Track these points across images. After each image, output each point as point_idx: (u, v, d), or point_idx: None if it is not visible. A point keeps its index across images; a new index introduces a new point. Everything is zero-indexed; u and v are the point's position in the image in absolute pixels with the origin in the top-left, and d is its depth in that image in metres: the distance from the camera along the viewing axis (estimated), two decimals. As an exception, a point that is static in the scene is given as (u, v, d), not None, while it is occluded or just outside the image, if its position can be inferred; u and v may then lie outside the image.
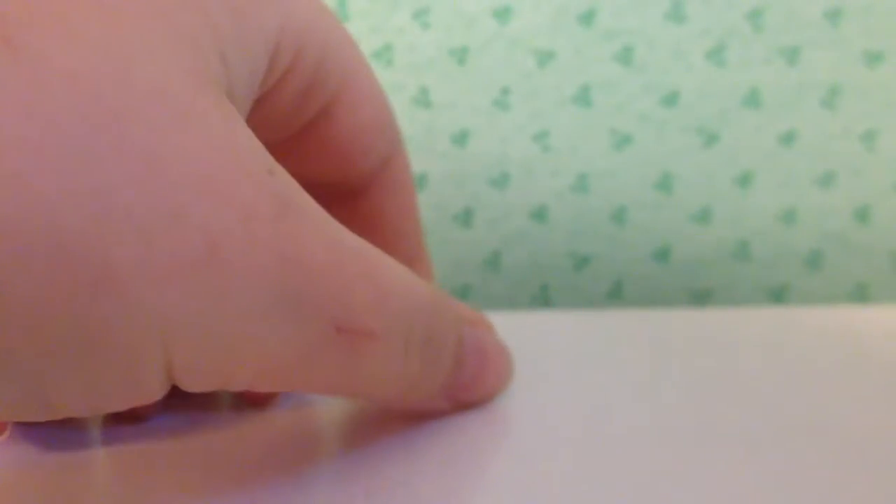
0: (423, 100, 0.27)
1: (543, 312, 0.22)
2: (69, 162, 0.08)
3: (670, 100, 0.26)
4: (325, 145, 0.14)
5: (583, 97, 0.26)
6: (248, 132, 0.10)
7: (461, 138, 0.27)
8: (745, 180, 0.27)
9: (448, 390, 0.14)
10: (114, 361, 0.08)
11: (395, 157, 0.16)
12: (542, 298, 0.28)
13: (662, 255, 0.28)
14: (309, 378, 0.11)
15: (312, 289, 0.10)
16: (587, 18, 0.26)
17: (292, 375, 0.10)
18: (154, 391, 0.09)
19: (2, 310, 0.08)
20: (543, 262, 0.28)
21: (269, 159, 0.10)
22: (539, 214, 0.27)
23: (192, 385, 0.09)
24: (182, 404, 0.16)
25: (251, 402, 0.16)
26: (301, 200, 0.10)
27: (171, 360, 0.09)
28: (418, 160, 0.27)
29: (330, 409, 0.16)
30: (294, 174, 0.15)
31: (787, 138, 0.27)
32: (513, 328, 0.21)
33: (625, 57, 0.26)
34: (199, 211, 0.08)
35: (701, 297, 0.28)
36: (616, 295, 0.28)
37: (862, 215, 0.27)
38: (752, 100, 0.26)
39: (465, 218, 0.27)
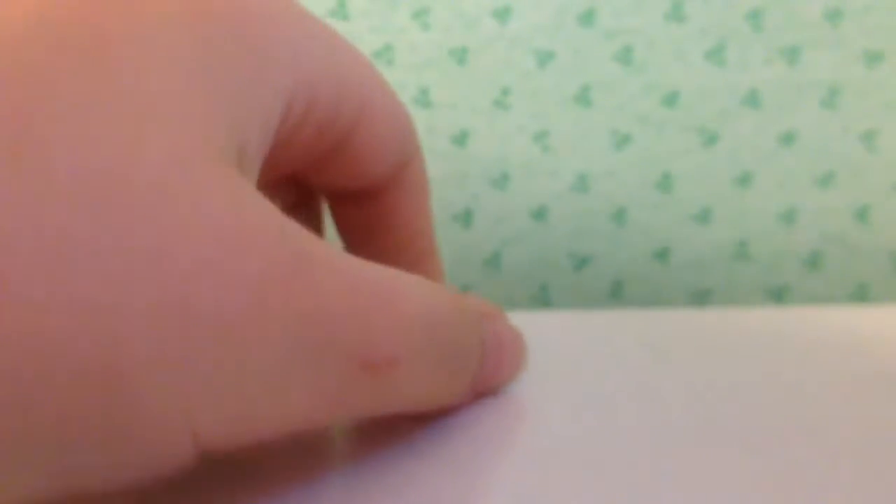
0: (423, 100, 0.27)
1: (543, 312, 0.22)
2: (76, 270, 0.08)
3: (670, 100, 0.26)
4: (342, 163, 0.14)
5: (583, 97, 0.26)
6: (257, 198, 0.10)
7: (461, 138, 0.27)
8: (745, 180, 0.27)
9: (471, 387, 0.14)
10: (141, 448, 0.09)
11: (412, 160, 0.16)
12: (542, 298, 0.28)
13: (662, 255, 0.28)
14: (338, 414, 0.11)
15: (333, 335, 0.10)
16: (587, 18, 0.26)
17: (322, 417, 0.11)
18: (183, 463, 0.09)
19: (21, 420, 0.08)
20: (543, 262, 0.28)
21: (280, 218, 0.10)
22: (539, 214, 0.27)
23: (221, 448, 0.10)
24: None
25: None
26: (314, 248, 0.10)
27: (198, 434, 0.09)
28: (418, 160, 0.27)
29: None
30: (311, 184, 0.15)
31: (787, 138, 0.27)
32: (513, 328, 0.21)
33: (625, 57, 0.26)
34: (211, 297, 0.09)
35: (701, 297, 0.28)
36: (616, 295, 0.28)
37: (862, 215, 0.27)
38: (752, 100, 0.26)
39: (466, 218, 0.27)
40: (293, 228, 0.10)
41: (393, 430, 0.14)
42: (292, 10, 0.12)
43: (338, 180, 0.15)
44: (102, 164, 0.08)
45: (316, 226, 0.17)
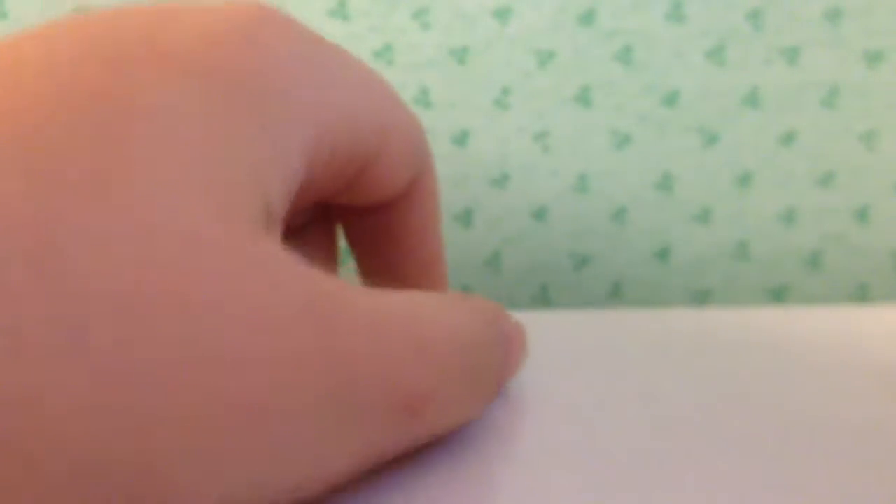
0: (423, 100, 0.27)
1: (543, 312, 0.22)
2: (103, 365, 0.08)
3: (670, 100, 0.26)
4: (359, 188, 0.14)
5: (583, 97, 0.26)
6: (282, 260, 0.10)
7: (461, 138, 0.27)
8: (745, 180, 0.27)
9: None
10: None
11: (424, 174, 0.16)
12: (542, 298, 0.28)
13: (662, 255, 0.28)
14: (375, 460, 0.11)
15: (368, 389, 0.10)
16: (587, 18, 0.26)
17: (358, 467, 0.10)
18: None
19: None
20: (543, 262, 0.28)
21: (306, 277, 0.10)
22: (539, 214, 0.27)
23: None
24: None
25: None
26: (339, 299, 0.10)
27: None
28: (418, 160, 0.27)
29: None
30: (324, 201, 0.15)
31: (787, 138, 0.27)
32: (513, 328, 0.21)
33: (625, 57, 0.26)
34: (241, 377, 0.08)
35: (701, 297, 0.28)
36: (616, 295, 0.28)
37: (862, 215, 0.27)
38: (752, 100, 0.26)
39: (466, 218, 0.27)
40: (318, 282, 0.10)
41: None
42: (310, 59, 0.12)
43: (352, 200, 0.15)
44: (125, 270, 0.08)
45: (330, 242, 0.17)
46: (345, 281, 0.11)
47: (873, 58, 0.26)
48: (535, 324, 0.21)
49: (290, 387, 0.09)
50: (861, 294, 0.27)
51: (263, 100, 0.10)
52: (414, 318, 0.11)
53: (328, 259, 0.17)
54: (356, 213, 0.16)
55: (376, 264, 0.17)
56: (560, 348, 0.19)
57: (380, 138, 0.13)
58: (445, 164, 0.27)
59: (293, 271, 0.10)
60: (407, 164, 0.15)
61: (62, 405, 0.07)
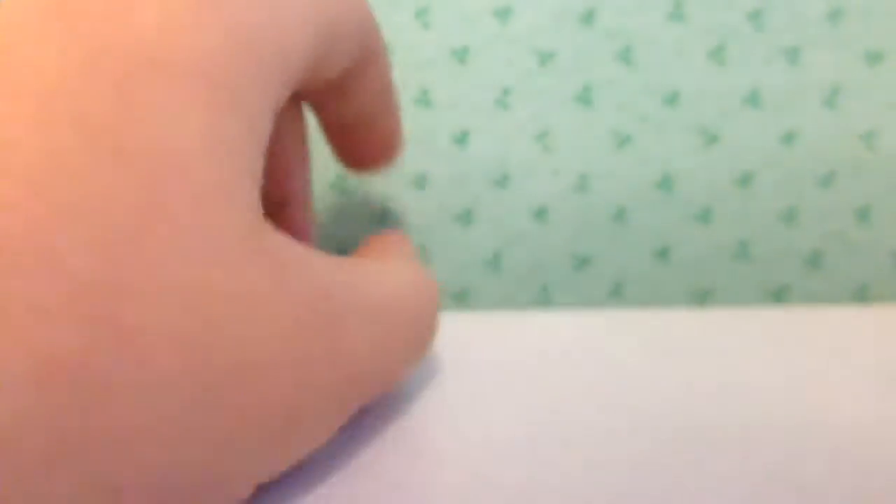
0: (423, 100, 0.27)
1: (543, 312, 0.22)
2: (163, 401, 0.09)
3: (671, 99, 0.26)
4: (308, 81, 0.15)
5: (583, 97, 0.26)
6: (295, 270, 0.11)
7: (462, 138, 0.27)
8: (745, 180, 0.27)
9: None
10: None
11: (373, 54, 0.16)
12: (543, 298, 0.28)
13: (662, 255, 0.28)
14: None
15: (367, 373, 0.12)
16: (588, 18, 0.26)
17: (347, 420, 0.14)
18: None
19: None
20: (543, 262, 0.28)
21: (319, 282, 0.11)
22: (539, 214, 0.27)
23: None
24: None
25: None
26: (341, 298, 0.11)
27: (259, 481, 0.10)
28: (418, 160, 0.27)
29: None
30: None
31: (788, 138, 0.27)
32: (513, 328, 0.21)
33: (625, 57, 0.26)
34: (279, 392, 0.10)
35: (701, 297, 0.28)
36: (616, 295, 0.28)
37: (863, 215, 0.27)
38: (753, 100, 0.26)
39: (466, 218, 0.27)
40: (330, 283, 0.11)
41: (384, 426, 0.14)
42: (269, 7, 0.12)
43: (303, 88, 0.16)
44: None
45: (297, 118, 0.18)
46: (343, 261, 0.12)
47: (874, 58, 0.26)
48: (535, 324, 0.21)
49: (305, 387, 0.10)
50: (861, 294, 0.27)
51: (242, 89, 0.11)
52: (406, 311, 0.13)
53: (297, 135, 0.18)
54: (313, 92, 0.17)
55: (337, 127, 0.18)
56: (560, 348, 0.19)
57: (331, 40, 0.14)
58: (445, 164, 0.27)
59: (300, 270, 0.11)
60: (353, 52, 0.15)
61: (133, 426, 0.08)
